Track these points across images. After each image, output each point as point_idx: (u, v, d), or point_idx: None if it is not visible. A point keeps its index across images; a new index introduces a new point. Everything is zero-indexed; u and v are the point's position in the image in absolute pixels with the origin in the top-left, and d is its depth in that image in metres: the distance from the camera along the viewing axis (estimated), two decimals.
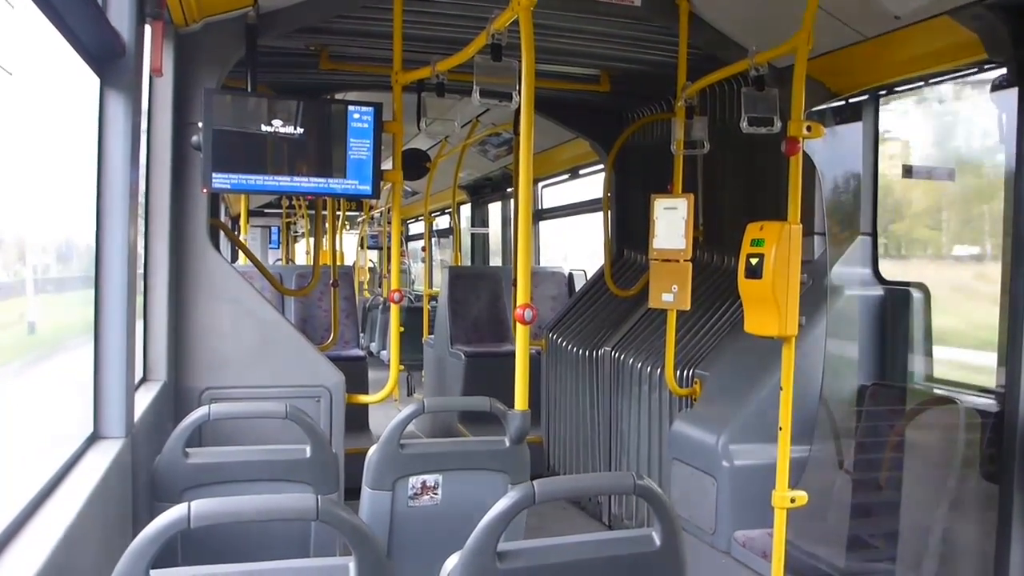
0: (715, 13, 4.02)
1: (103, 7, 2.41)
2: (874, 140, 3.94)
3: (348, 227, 14.13)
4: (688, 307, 3.89)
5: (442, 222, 12.27)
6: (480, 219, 10.55)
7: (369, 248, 14.56)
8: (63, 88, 2.41)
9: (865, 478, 3.57)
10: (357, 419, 6.08)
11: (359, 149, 3.57)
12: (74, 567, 1.79)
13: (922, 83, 3.70)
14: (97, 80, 2.42)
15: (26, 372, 2.24)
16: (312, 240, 8.10)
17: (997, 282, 3.28)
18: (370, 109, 3.59)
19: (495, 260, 10.53)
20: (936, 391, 3.66)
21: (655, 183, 4.61)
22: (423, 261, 9.56)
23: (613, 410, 5.05)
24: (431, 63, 3.58)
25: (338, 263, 6.15)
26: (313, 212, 7.05)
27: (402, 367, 4.03)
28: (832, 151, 3.93)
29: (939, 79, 3.60)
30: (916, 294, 3.82)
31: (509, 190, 8.93)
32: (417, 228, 13.74)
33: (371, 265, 15.74)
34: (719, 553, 3.55)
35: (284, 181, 3.48)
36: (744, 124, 3.45)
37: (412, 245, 14.25)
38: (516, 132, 6.42)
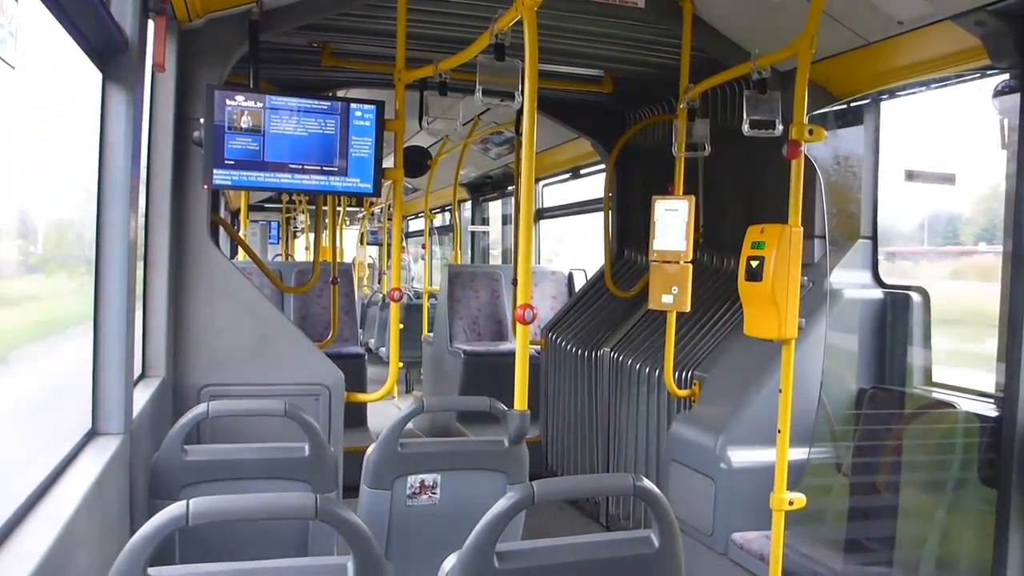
0: (718, 16, 4.02)
1: (106, 2, 2.40)
2: (875, 144, 3.94)
3: (348, 223, 14.10)
4: (688, 309, 3.89)
5: (442, 219, 12.26)
6: (480, 217, 10.54)
7: (369, 244, 14.54)
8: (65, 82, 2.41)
9: (863, 481, 3.57)
10: (355, 416, 6.08)
11: (361, 147, 3.57)
12: (71, 565, 1.79)
13: (924, 88, 3.70)
14: (99, 75, 2.42)
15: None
16: (312, 236, 8.11)
17: None
18: (372, 107, 3.59)
19: (494, 258, 10.53)
20: (935, 395, 3.66)
21: (656, 184, 4.61)
22: (423, 259, 9.53)
23: (612, 411, 5.05)
24: (434, 62, 3.58)
25: (338, 260, 6.15)
26: (313, 207, 7.04)
27: (401, 364, 4.02)
28: (833, 155, 3.93)
29: (941, 84, 3.61)
30: (916, 298, 3.82)
31: (510, 188, 8.92)
32: (417, 224, 13.72)
33: (371, 261, 15.72)
34: (717, 555, 3.55)
35: (285, 178, 3.48)
36: (746, 127, 3.44)
37: (411, 241, 14.24)
38: (518, 131, 6.42)
